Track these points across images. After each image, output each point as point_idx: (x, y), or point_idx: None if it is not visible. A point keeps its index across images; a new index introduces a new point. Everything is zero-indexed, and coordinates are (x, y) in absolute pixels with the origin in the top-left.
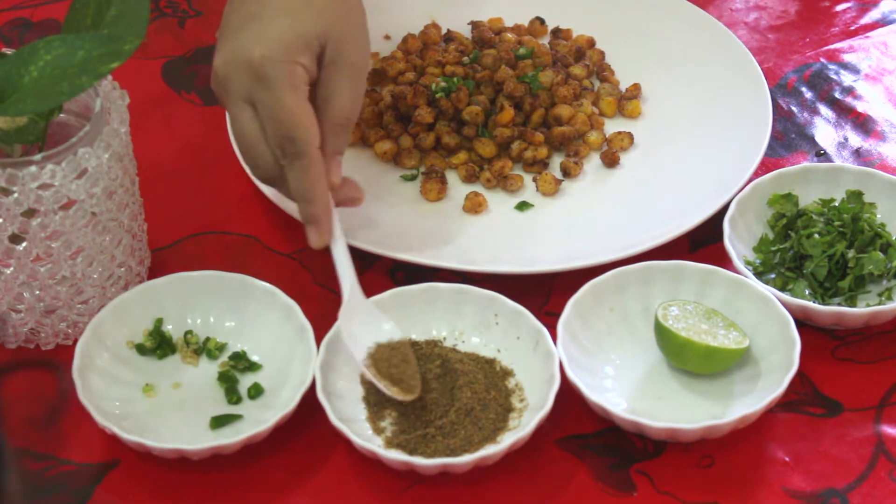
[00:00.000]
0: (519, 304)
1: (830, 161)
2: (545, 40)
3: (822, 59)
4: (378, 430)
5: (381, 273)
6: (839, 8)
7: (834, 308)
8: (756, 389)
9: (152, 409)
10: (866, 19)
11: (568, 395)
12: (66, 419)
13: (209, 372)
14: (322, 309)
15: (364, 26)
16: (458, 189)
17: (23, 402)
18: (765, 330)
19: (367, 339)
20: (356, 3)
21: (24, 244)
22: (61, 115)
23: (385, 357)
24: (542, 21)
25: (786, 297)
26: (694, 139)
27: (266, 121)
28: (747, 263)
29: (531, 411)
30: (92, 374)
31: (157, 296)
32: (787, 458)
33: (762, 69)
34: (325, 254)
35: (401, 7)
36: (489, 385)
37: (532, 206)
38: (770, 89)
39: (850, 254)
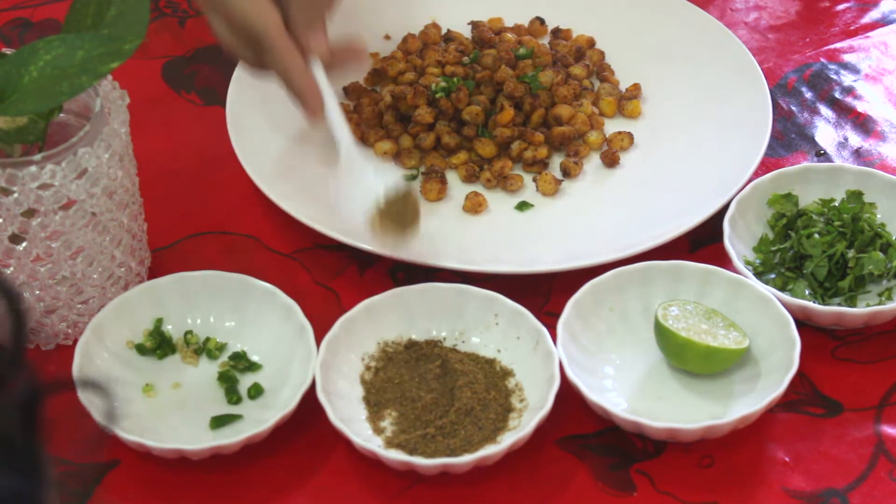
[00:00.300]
0: (519, 304)
1: (830, 161)
2: (545, 40)
3: (822, 59)
4: (378, 430)
5: (381, 273)
6: (839, 8)
7: (834, 308)
8: (756, 389)
9: (152, 409)
10: (866, 19)
11: (568, 395)
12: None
13: (209, 372)
14: (322, 309)
15: None
16: (458, 189)
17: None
18: (765, 330)
19: (368, 195)
20: None
21: (24, 244)
22: (61, 115)
23: (390, 208)
24: (542, 21)
25: (786, 297)
26: (694, 139)
27: (228, 23)
28: (747, 263)
29: (531, 411)
30: (92, 374)
31: (157, 296)
32: (787, 458)
33: (762, 69)
34: (326, 254)
35: (401, 7)
36: (489, 385)
37: (532, 206)
38: (770, 89)
39: (850, 254)
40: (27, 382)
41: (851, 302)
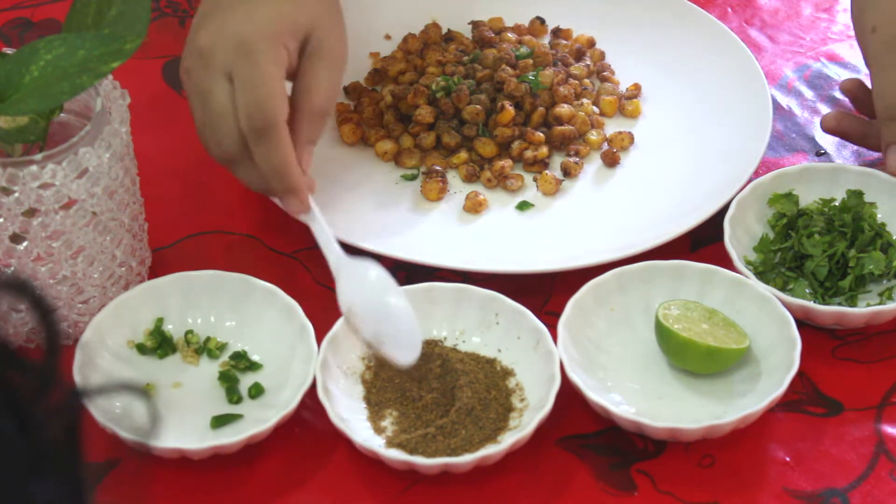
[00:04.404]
0: (519, 304)
1: (831, 161)
2: (545, 40)
3: (822, 59)
4: (378, 430)
5: None
6: (839, 8)
7: (835, 308)
8: (757, 389)
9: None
10: None
11: (568, 394)
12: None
13: (210, 371)
14: (322, 309)
15: (343, 24)
16: (458, 189)
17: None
18: (765, 330)
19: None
20: (336, 1)
21: (24, 244)
22: (62, 114)
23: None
24: (542, 21)
25: (786, 296)
26: (694, 139)
27: (241, 93)
28: (748, 263)
29: (532, 411)
30: (93, 373)
31: (157, 295)
32: (787, 458)
33: (762, 69)
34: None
35: (401, 7)
36: (490, 385)
37: (532, 205)
38: (770, 89)
39: (851, 253)
40: (67, 394)
41: (852, 302)
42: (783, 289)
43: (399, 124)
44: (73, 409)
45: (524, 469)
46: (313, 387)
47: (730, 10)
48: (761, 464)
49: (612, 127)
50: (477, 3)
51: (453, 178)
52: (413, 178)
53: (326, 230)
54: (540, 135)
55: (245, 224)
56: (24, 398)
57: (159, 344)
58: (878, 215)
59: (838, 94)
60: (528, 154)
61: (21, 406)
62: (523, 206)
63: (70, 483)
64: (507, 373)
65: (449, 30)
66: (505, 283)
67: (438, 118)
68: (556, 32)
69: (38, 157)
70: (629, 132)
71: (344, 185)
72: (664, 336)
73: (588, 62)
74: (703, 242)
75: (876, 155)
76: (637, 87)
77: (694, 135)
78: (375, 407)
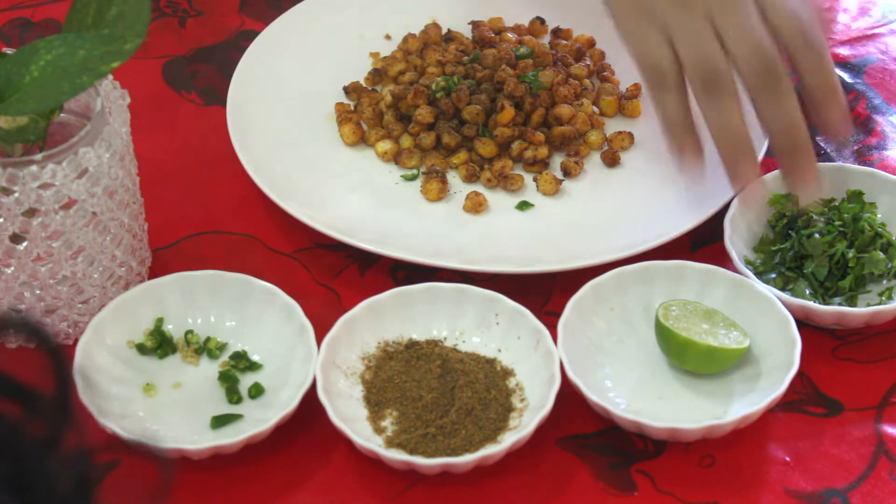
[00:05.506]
0: (519, 304)
1: (831, 161)
2: (545, 40)
3: None
4: (379, 430)
5: (382, 273)
6: (839, 8)
7: (835, 308)
8: (757, 389)
9: (153, 408)
10: (866, 19)
11: (568, 394)
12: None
13: (210, 372)
14: (322, 309)
15: None
16: (458, 189)
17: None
18: (765, 330)
19: None
20: None
21: (24, 244)
22: (62, 114)
23: None
24: (542, 21)
25: (786, 296)
26: None
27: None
28: (748, 263)
29: (532, 411)
30: (93, 373)
31: (157, 295)
32: (787, 458)
33: None
34: (326, 253)
35: (401, 7)
36: (490, 385)
37: (533, 205)
38: None
39: (851, 253)
40: (80, 446)
41: (852, 302)
42: (783, 289)
43: (399, 124)
44: (85, 464)
45: (524, 469)
46: (313, 387)
47: None
48: (761, 464)
49: (612, 127)
50: (477, 3)
51: (453, 178)
52: (413, 178)
53: None
54: (540, 135)
55: (245, 224)
56: (32, 451)
57: (159, 344)
58: (878, 215)
59: None
60: (528, 154)
61: (27, 461)
62: (523, 206)
63: None
64: (507, 373)
65: (449, 30)
66: (505, 283)
67: (438, 118)
68: (556, 32)
69: (38, 157)
70: (629, 132)
71: (344, 185)
72: (664, 336)
73: (588, 62)
74: (703, 242)
75: (876, 155)
76: (637, 87)
77: None
78: (375, 407)
